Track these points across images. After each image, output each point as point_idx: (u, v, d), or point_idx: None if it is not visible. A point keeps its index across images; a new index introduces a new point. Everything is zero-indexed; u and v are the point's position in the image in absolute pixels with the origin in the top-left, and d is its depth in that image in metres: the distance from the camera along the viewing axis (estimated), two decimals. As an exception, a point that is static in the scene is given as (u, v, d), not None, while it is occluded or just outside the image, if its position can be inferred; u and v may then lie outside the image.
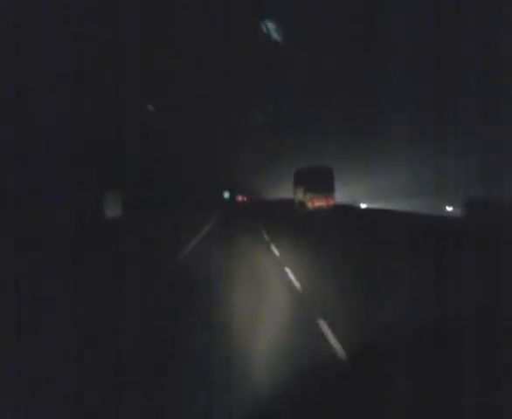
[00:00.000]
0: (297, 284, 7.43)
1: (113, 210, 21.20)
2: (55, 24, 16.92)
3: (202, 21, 45.37)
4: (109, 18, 23.24)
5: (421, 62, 40.29)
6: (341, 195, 32.33)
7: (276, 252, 11.28)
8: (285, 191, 39.99)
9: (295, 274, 8.16)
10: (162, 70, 38.60)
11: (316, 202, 29.08)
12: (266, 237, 14.83)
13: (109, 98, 23.94)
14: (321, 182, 29.38)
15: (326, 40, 49.40)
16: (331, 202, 28.85)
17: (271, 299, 6.61)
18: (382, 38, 43.58)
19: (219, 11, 45.25)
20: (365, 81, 46.92)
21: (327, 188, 29.21)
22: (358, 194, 40.52)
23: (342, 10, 48.43)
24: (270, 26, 53.61)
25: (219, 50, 46.58)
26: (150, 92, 36.64)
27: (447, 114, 36.11)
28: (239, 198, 60.46)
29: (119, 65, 25.20)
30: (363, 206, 35.52)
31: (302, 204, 30.50)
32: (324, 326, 5.08)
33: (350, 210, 29.00)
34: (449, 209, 35.56)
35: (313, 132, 52.38)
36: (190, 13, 43.79)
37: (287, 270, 8.66)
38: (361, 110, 47.82)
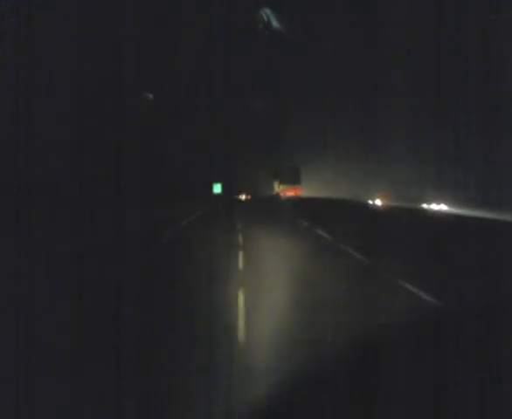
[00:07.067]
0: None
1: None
2: (54, 23, 16.54)
3: (200, 9, 44.48)
4: (107, 11, 22.76)
5: (421, 63, 39.88)
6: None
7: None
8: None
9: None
10: (161, 59, 37.97)
11: (287, 192, 38.72)
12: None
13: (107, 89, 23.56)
14: (291, 177, 39.49)
15: (327, 28, 48.72)
16: (298, 193, 38.90)
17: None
18: (383, 28, 42.94)
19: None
20: (366, 70, 46.38)
21: (295, 182, 39.42)
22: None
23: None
24: (269, 14, 52.42)
25: (218, 39, 45.72)
26: (148, 81, 36.07)
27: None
28: (242, 196, 43.38)
29: (116, 55, 24.77)
30: None
31: (277, 194, 40.45)
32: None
33: None
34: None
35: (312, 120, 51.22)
36: (189, 1, 42.88)
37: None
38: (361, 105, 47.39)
